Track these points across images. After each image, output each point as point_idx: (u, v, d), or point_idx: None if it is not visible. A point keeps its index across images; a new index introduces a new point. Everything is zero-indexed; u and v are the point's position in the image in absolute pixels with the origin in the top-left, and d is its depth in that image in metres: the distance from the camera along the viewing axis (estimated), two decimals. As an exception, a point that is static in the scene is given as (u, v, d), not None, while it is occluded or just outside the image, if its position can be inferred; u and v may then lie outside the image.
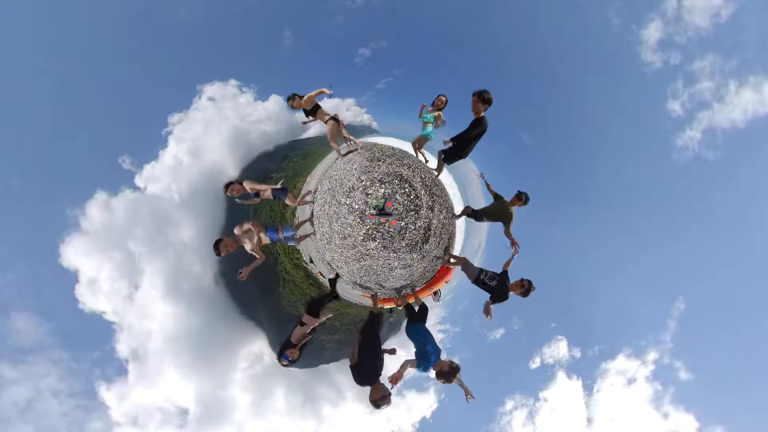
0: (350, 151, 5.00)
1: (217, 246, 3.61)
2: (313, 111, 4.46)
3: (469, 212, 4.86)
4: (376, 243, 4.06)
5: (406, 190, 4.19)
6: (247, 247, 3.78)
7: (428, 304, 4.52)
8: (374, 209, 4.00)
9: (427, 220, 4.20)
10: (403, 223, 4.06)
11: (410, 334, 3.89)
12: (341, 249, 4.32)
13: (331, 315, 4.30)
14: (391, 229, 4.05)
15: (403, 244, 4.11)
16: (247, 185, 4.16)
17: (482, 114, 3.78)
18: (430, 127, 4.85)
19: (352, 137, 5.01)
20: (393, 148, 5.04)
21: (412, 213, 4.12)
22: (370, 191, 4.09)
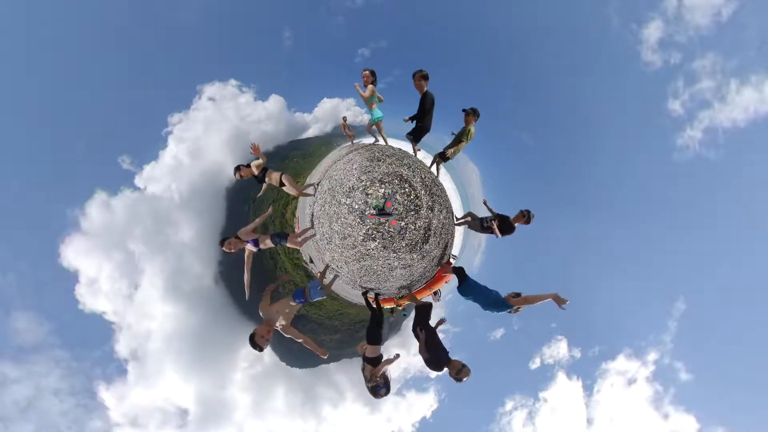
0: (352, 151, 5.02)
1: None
2: (262, 175, 4.40)
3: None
4: (376, 243, 4.06)
5: (406, 190, 4.18)
6: (280, 324, 3.61)
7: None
8: (374, 209, 4.00)
9: (427, 220, 4.20)
10: (403, 223, 4.06)
11: (467, 294, 4.08)
12: (341, 249, 4.31)
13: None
14: (391, 229, 4.04)
15: (403, 244, 4.10)
16: (243, 236, 3.88)
17: (425, 89, 4.28)
18: (377, 109, 4.81)
19: (352, 134, 5.03)
20: (393, 148, 5.04)
21: (412, 213, 4.12)
22: (370, 191, 4.09)
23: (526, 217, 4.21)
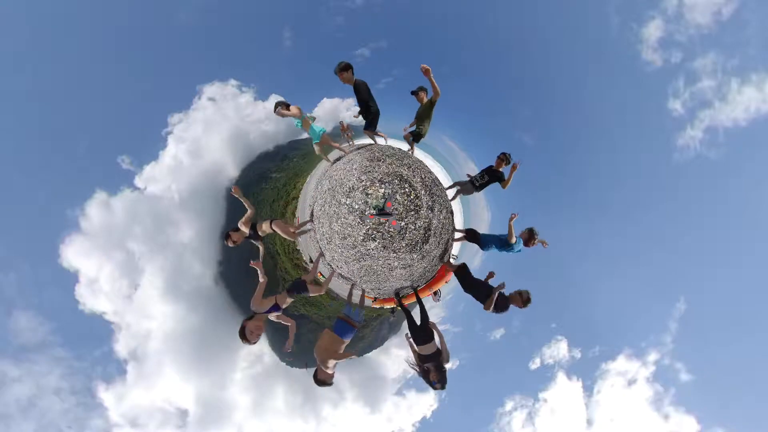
0: (339, 158, 5.06)
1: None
2: (254, 232, 4.35)
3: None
4: (376, 243, 4.06)
5: (406, 190, 4.18)
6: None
7: (428, 305, 4.54)
8: (374, 209, 4.00)
9: (427, 220, 4.20)
10: (403, 223, 4.06)
11: (486, 244, 4.64)
12: (341, 249, 4.31)
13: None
14: (391, 229, 4.04)
15: (403, 244, 4.10)
16: (258, 307, 3.73)
17: (354, 80, 4.37)
18: (313, 126, 4.63)
19: (343, 148, 5.06)
20: (393, 148, 5.04)
21: (412, 213, 4.12)
22: (370, 191, 4.08)
23: (505, 160, 4.69)
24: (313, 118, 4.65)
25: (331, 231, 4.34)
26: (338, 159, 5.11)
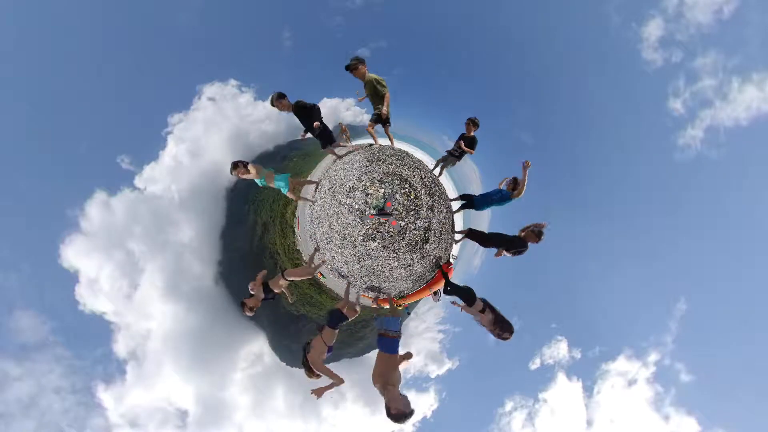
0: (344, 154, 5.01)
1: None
2: (270, 293, 4.33)
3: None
4: (376, 243, 4.06)
5: (406, 190, 4.18)
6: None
7: (428, 304, 4.53)
8: (374, 209, 3.99)
9: (427, 220, 4.20)
10: (403, 223, 4.05)
11: (484, 204, 4.90)
12: (341, 249, 4.31)
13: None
14: (391, 229, 4.04)
15: (403, 244, 4.10)
16: (318, 361, 3.73)
17: (290, 110, 4.46)
18: (278, 176, 4.56)
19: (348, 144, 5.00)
20: (393, 148, 5.03)
21: (412, 213, 4.11)
22: (370, 191, 4.08)
23: (472, 123, 4.81)
24: (272, 169, 4.51)
25: (331, 231, 4.34)
26: (343, 155, 5.00)
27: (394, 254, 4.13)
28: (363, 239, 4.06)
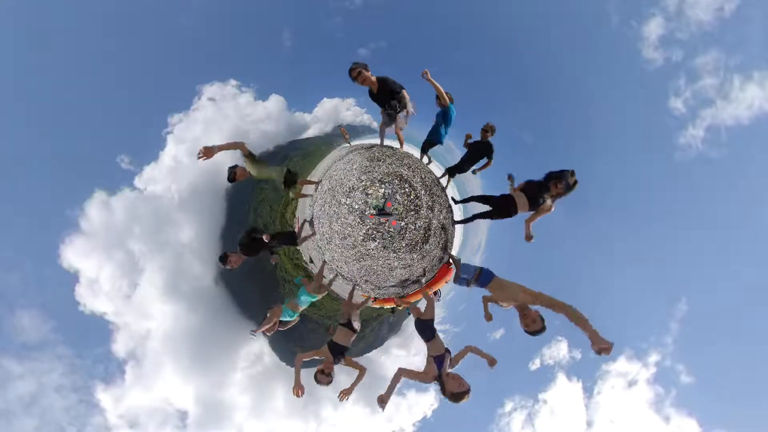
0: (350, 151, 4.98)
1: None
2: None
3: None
4: (376, 243, 4.05)
5: (406, 190, 4.17)
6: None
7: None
8: (374, 209, 3.99)
9: (427, 220, 4.19)
10: (403, 223, 4.05)
11: (437, 137, 4.61)
12: (341, 249, 4.30)
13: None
14: (391, 229, 4.03)
15: (403, 244, 4.09)
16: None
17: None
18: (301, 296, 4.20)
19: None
20: (393, 148, 5.03)
21: (412, 213, 4.11)
22: (370, 191, 4.08)
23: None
24: (288, 301, 4.18)
25: (331, 231, 4.34)
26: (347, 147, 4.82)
27: (394, 254, 4.13)
28: (363, 239, 4.06)
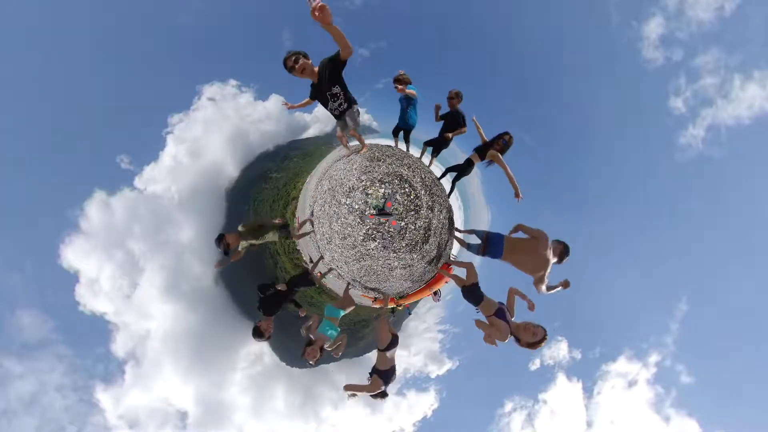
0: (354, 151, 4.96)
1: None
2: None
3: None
4: (376, 243, 4.06)
5: (406, 190, 4.18)
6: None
7: (428, 304, 4.52)
8: (374, 209, 3.99)
9: (427, 220, 4.20)
10: (403, 223, 4.05)
11: (409, 120, 4.88)
12: (341, 249, 4.31)
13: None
14: (391, 229, 4.04)
15: (403, 244, 4.10)
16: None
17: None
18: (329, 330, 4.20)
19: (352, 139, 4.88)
20: (393, 148, 5.03)
21: (412, 213, 4.11)
22: (370, 191, 4.08)
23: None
24: (322, 320, 4.33)
25: (331, 231, 4.34)
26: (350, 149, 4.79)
27: (394, 254, 4.13)
28: (363, 239, 4.06)
